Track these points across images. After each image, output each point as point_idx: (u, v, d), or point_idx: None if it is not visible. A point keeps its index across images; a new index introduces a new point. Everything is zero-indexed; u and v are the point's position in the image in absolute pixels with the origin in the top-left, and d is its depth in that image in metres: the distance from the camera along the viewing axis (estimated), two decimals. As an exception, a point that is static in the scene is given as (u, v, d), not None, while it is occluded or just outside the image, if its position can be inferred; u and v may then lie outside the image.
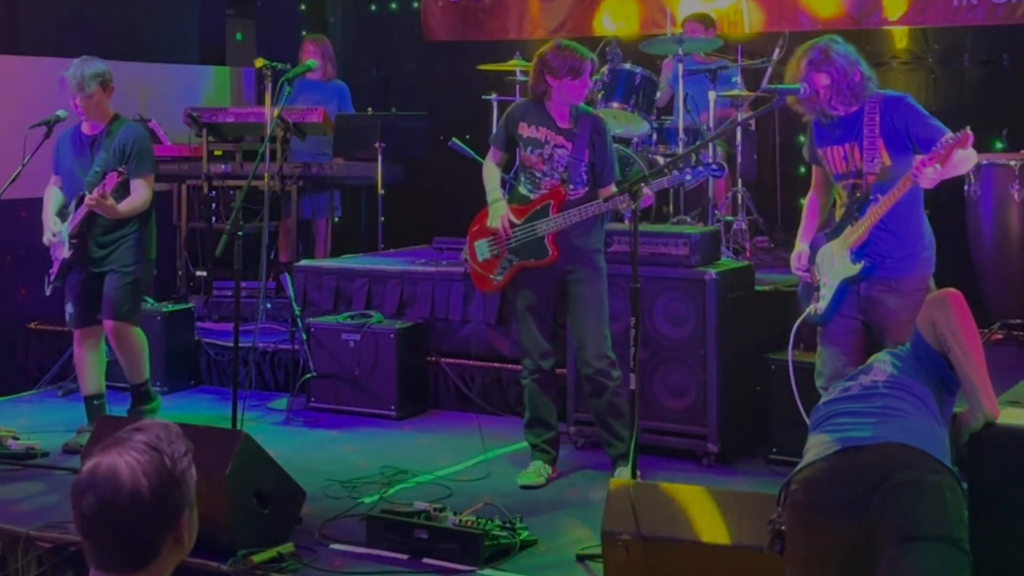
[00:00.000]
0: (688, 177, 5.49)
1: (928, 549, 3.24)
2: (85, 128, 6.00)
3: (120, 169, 5.72)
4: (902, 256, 4.61)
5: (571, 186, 5.40)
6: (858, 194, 4.65)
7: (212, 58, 9.89)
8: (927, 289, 4.59)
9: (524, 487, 5.45)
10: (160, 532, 2.17)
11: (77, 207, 5.88)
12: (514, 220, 5.47)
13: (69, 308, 6.07)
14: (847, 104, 4.61)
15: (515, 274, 5.50)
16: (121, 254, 5.96)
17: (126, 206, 5.85)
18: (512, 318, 6.60)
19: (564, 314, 5.64)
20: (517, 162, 5.70)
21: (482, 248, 5.59)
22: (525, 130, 5.51)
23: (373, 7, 10.22)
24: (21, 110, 7.19)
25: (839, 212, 4.74)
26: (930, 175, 4.38)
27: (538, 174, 5.47)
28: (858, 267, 4.61)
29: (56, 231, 5.96)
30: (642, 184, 4.86)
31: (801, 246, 4.85)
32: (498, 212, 5.51)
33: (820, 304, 4.73)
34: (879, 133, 4.56)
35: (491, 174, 5.66)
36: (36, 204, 6.24)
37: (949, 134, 4.36)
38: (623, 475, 5.12)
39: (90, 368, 6.12)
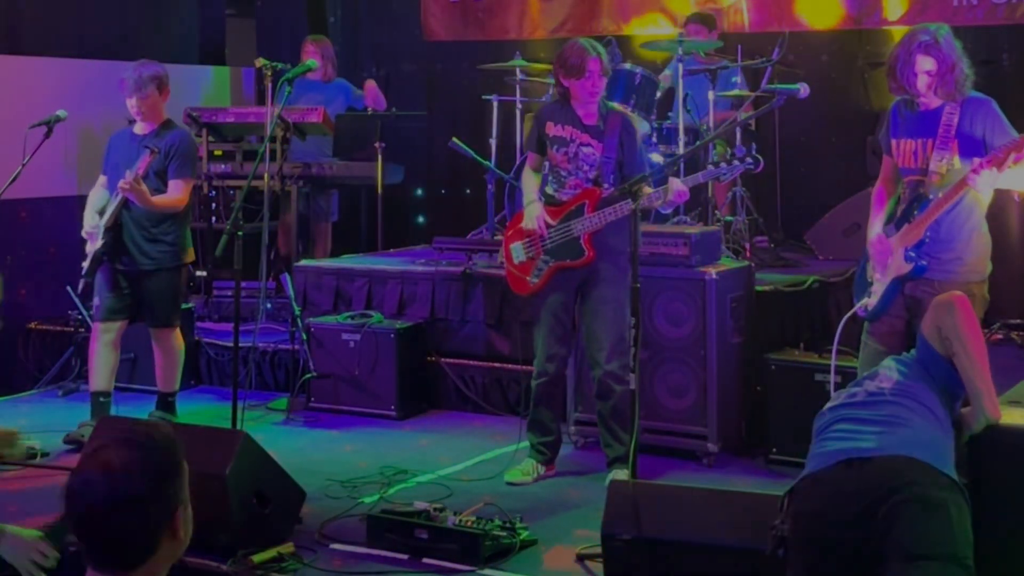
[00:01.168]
0: (724, 174, 5.43)
1: (933, 569, 3.21)
2: (137, 129, 6.13)
3: (152, 148, 5.84)
4: (948, 260, 4.59)
5: (604, 185, 5.39)
6: (920, 191, 4.62)
7: (212, 58, 9.89)
8: (971, 294, 4.55)
9: (509, 483, 5.47)
10: (155, 529, 2.18)
11: (115, 197, 5.97)
12: (549, 221, 5.46)
13: (96, 301, 6.11)
14: (944, 96, 4.54)
15: (551, 275, 5.47)
16: (160, 260, 6.05)
17: (160, 199, 5.94)
18: (515, 319, 6.61)
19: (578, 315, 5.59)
20: (547, 164, 5.67)
21: (518, 251, 5.56)
22: (552, 129, 5.51)
23: (373, 7, 10.21)
24: (21, 110, 7.19)
25: (900, 208, 4.72)
26: (985, 179, 4.35)
27: (563, 173, 5.47)
28: (910, 266, 4.59)
29: (93, 224, 6.04)
30: (643, 184, 4.87)
31: (875, 230, 4.77)
32: (533, 213, 5.50)
33: (872, 299, 4.71)
34: (955, 134, 4.51)
35: (528, 179, 5.65)
36: (36, 204, 6.26)
37: (1012, 138, 4.34)
38: (621, 476, 5.11)
39: (103, 364, 6.13)
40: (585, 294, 5.47)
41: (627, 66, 7.29)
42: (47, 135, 6.08)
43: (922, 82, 4.55)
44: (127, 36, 8.87)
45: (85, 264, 6.04)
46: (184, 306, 7.03)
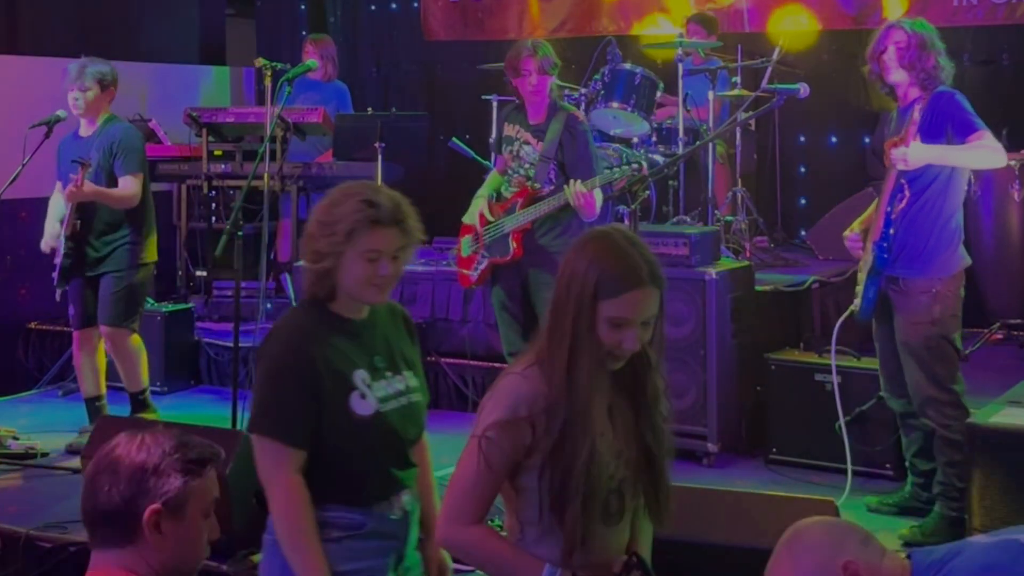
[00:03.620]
0: (616, 178, 5.22)
1: None
2: (82, 131, 5.98)
3: (83, 161, 5.68)
4: (915, 256, 4.59)
5: (536, 184, 5.38)
6: (883, 186, 4.65)
7: (212, 58, 9.89)
8: (935, 292, 4.58)
9: None
10: (124, 508, 2.24)
11: (66, 205, 5.86)
12: (488, 216, 5.50)
13: (71, 309, 6.06)
14: (917, 79, 4.56)
15: (489, 271, 5.52)
16: (115, 259, 5.94)
17: (113, 192, 5.82)
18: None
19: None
20: None
21: (465, 244, 5.63)
22: (507, 129, 5.58)
23: (373, 7, 10.21)
24: (21, 110, 7.18)
25: None
26: (897, 155, 4.38)
27: (510, 171, 5.52)
28: (872, 257, 4.58)
29: (55, 236, 5.95)
30: (642, 184, 4.86)
31: (855, 227, 4.81)
32: (474, 208, 5.57)
33: (857, 301, 4.71)
34: (918, 129, 4.51)
35: (489, 178, 5.73)
36: (36, 204, 6.25)
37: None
38: None
39: (89, 370, 6.10)
40: (529, 298, 5.44)
41: (627, 66, 7.28)
42: (47, 135, 6.07)
43: (890, 54, 4.58)
44: (127, 36, 8.87)
45: (55, 275, 5.93)
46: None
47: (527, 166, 5.42)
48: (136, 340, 6.07)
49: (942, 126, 4.51)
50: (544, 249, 5.37)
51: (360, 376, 2.94)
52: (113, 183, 5.85)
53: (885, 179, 4.75)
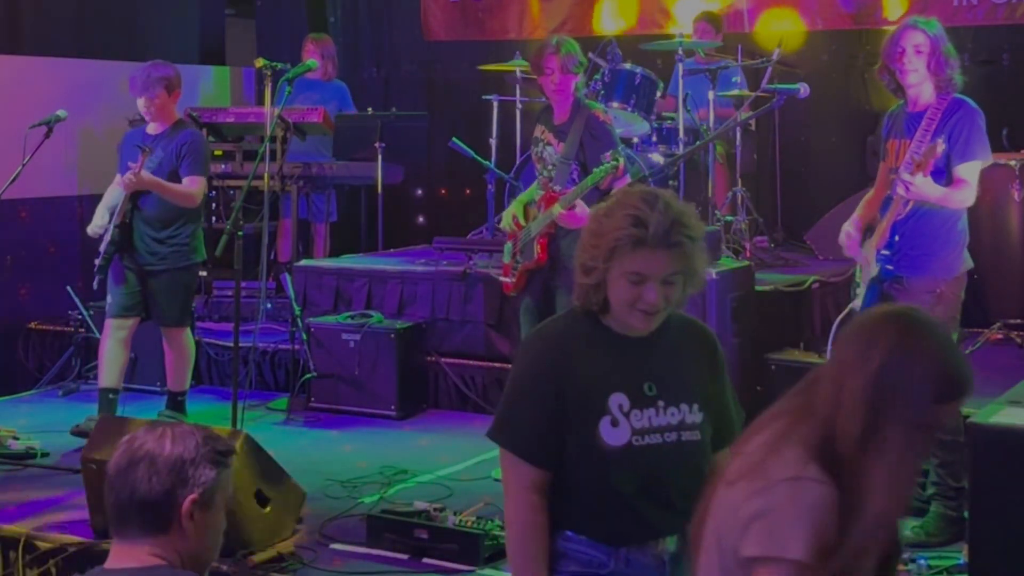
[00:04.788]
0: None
1: None
2: (150, 129, 6.10)
3: (145, 147, 5.83)
4: (917, 256, 4.59)
5: (557, 186, 5.28)
6: (888, 191, 4.64)
7: (212, 58, 9.89)
8: (938, 292, 4.57)
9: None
10: (164, 497, 2.29)
11: (122, 193, 5.97)
12: (522, 220, 5.45)
13: (108, 298, 6.10)
14: (933, 81, 4.54)
15: (524, 276, 5.45)
16: (173, 258, 6.04)
17: (174, 186, 5.94)
18: (515, 319, 6.61)
19: None
20: None
21: (507, 251, 5.58)
22: (536, 130, 5.54)
23: (373, 7, 10.21)
24: (21, 110, 7.19)
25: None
26: (906, 179, 4.36)
27: (538, 173, 5.46)
28: (878, 268, 4.60)
29: (102, 223, 6.05)
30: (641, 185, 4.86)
31: (847, 227, 4.81)
32: (508, 215, 5.52)
33: (857, 302, 4.73)
34: (932, 136, 4.49)
35: (535, 182, 5.61)
36: (36, 204, 6.25)
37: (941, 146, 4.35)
38: None
39: (113, 360, 6.10)
40: (557, 310, 5.41)
41: (627, 66, 7.28)
42: (47, 135, 6.07)
43: (909, 56, 4.54)
44: (127, 36, 8.87)
45: (98, 261, 6.00)
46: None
47: (550, 168, 5.36)
48: (190, 338, 6.26)
49: (949, 136, 4.49)
50: (564, 256, 5.19)
51: (617, 401, 2.62)
52: (176, 182, 5.97)
53: (878, 181, 4.78)
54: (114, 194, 6.13)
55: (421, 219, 9.74)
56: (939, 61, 4.52)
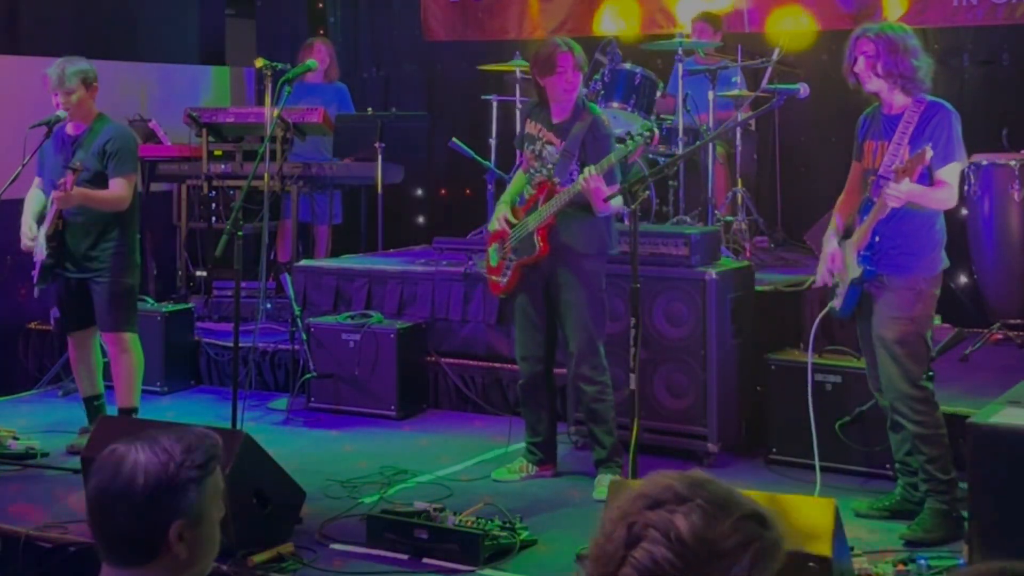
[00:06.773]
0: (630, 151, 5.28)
1: None
2: (69, 128, 5.90)
3: (75, 166, 5.62)
4: (897, 255, 4.64)
5: (558, 181, 5.30)
6: (866, 194, 4.68)
7: (212, 58, 9.89)
8: (919, 291, 4.64)
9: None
10: (146, 533, 2.17)
11: (51, 207, 5.78)
12: (511, 219, 5.46)
13: (55, 313, 6.02)
14: (896, 85, 4.57)
15: (518, 273, 5.45)
16: (108, 263, 5.83)
17: (102, 194, 5.73)
18: (512, 319, 6.61)
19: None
20: None
21: (492, 253, 5.57)
22: (529, 127, 5.51)
23: (373, 7, 10.21)
24: (21, 110, 7.19)
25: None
26: (895, 192, 4.40)
27: (532, 171, 5.46)
28: (860, 270, 4.64)
29: (32, 236, 5.85)
30: (641, 185, 4.86)
31: (828, 247, 4.84)
32: (496, 214, 5.52)
33: (837, 300, 4.78)
34: (909, 139, 4.54)
35: (514, 179, 5.67)
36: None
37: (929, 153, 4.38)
38: (603, 482, 5.12)
39: (84, 372, 6.07)
40: (552, 299, 5.42)
41: (627, 66, 7.29)
42: (47, 135, 6.06)
43: (860, 66, 4.61)
44: (127, 36, 8.87)
45: (35, 273, 5.86)
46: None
47: (549, 166, 5.36)
48: (137, 346, 5.99)
49: (928, 140, 4.52)
50: (567, 246, 5.30)
51: None
52: (103, 185, 5.76)
53: (850, 181, 4.81)
54: (37, 199, 5.93)
55: (421, 219, 9.74)
56: (888, 60, 4.57)
